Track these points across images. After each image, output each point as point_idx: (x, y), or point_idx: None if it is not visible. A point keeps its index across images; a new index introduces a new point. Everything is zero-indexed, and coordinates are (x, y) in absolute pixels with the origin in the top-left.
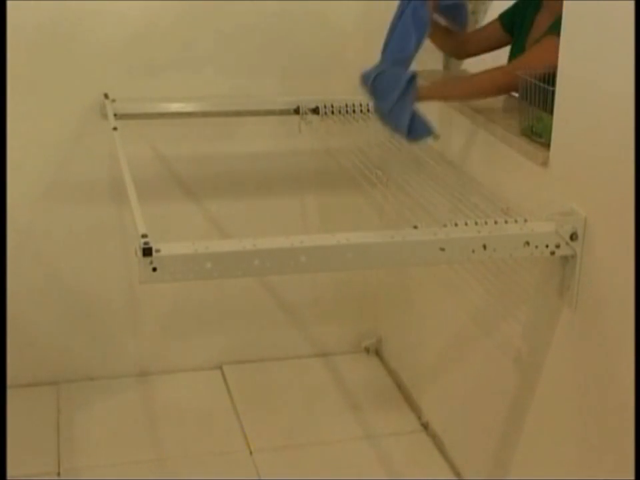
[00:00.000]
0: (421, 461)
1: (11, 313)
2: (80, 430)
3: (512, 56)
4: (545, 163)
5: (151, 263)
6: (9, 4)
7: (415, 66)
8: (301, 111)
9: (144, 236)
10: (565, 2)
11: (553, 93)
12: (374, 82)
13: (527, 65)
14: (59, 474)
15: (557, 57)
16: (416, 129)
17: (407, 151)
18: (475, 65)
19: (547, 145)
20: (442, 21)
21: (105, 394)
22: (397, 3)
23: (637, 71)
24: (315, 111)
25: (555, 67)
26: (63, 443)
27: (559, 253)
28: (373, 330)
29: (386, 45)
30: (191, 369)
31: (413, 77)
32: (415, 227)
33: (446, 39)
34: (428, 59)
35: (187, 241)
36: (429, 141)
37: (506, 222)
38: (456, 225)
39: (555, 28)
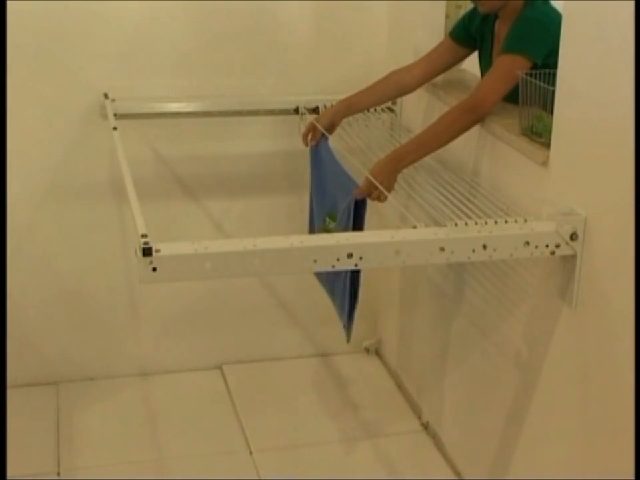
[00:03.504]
0: (421, 461)
1: (10, 312)
2: (80, 430)
3: (482, 62)
4: (545, 163)
5: (151, 262)
6: (9, 4)
7: None
8: (300, 111)
9: (144, 236)
10: (565, 2)
11: (553, 92)
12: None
13: (483, 99)
14: (58, 474)
15: (513, 77)
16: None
17: None
18: (473, 63)
19: (547, 145)
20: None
21: (104, 394)
22: None
23: (637, 71)
24: (315, 111)
25: (514, 84)
26: (62, 443)
27: (559, 252)
28: (373, 330)
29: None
30: (191, 369)
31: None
32: (415, 227)
33: (392, 93)
34: None
35: (187, 241)
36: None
37: (506, 222)
38: (456, 224)
39: (507, 45)
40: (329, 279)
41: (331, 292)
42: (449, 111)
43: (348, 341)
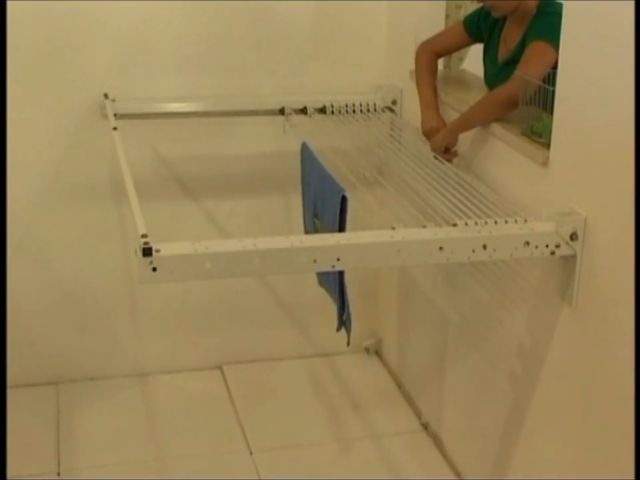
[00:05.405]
0: (421, 461)
1: (11, 313)
2: (80, 430)
3: (486, 62)
4: (545, 163)
5: (151, 262)
6: (9, 4)
7: None
8: (308, 112)
9: (144, 236)
10: (565, 2)
11: (553, 92)
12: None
13: (533, 71)
14: (58, 474)
15: (549, 60)
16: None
17: (406, 150)
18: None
19: (547, 145)
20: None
21: (104, 394)
22: None
23: (637, 71)
24: (323, 110)
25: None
26: (62, 443)
27: (559, 252)
28: (373, 330)
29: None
30: (191, 369)
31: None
32: (415, 227)
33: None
34: None
35: (187, 241)
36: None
37: (506, 222)
38: (456, 225)
39: (537, 33)
40: (328, 283)
41: (331, 295)
42: (496, 93)
43: (348, 344)
